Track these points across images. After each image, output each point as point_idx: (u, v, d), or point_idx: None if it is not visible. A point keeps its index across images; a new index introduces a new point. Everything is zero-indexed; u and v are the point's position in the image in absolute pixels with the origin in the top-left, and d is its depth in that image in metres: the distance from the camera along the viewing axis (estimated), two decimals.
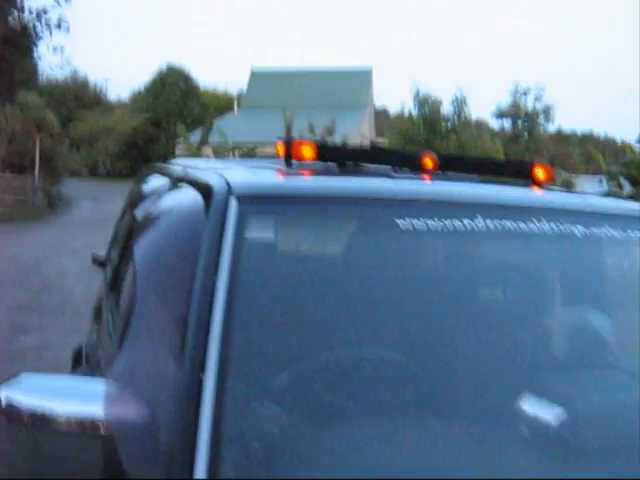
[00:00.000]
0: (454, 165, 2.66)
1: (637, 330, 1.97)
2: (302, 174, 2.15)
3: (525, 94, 21.86)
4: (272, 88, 41.46)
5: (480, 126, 24.30)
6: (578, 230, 1.99)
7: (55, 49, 18.26)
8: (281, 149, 2.38)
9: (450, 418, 1.67)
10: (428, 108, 19.04)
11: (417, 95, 19.58)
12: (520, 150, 21.21)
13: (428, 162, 2.44)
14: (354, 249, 1.99)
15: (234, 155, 19.32)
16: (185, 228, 1.92)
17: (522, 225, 1.93)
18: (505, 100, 22.97)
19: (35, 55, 19.01)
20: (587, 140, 46.16)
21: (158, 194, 2.55)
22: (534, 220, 1.95)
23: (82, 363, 3.28)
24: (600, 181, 12.20)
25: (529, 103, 21.89)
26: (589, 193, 2.95)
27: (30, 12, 17.63)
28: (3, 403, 1.54)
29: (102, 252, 4.08)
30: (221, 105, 51.97)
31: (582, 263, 2.12)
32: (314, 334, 1.72)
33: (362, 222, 1.93)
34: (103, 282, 3.53)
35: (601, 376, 1.89)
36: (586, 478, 1.48)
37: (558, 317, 1.99)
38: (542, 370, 1.83)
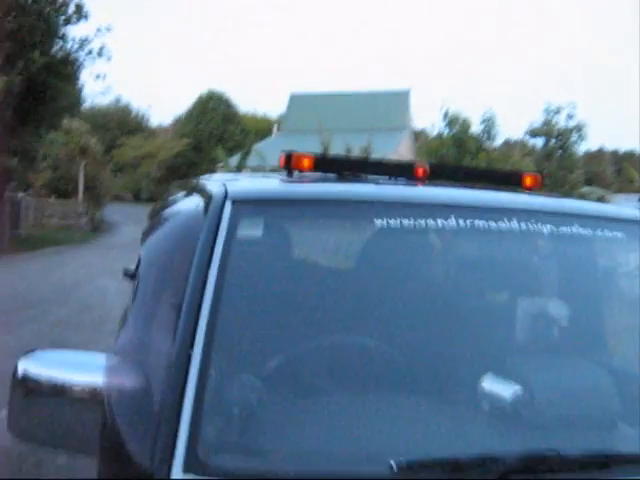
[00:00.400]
0: (446, 174, 2.86)
1: (593, 317, 2.15)
2: (293, 182, 2.37)
3: (557, 112, 21.95)
4: (311, 111, 41.81)
5: (510, 145, 24.42)
6: (546, 229, 2.16)
7: (97, 76, 18.79)
8: (283, 160, 2.60)
9: (417, 395, 1.86)
10: (458, 128, 19.26)
11: (446, 115, 19.78)
12: (552, 168, 21.26)
13: (420, 171, 2.63)
14: (332, 244, 2.20)
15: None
16: (187, 227, 2.15)
17: (492, 224, 2.11)
18: (538, 119, 23.11)
19: (78, 83, 19.53)
20: (628, 158, 45.73)
21: (173, 202, 2.78)
22: (504, 219, 2.13)
23: None
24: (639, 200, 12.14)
25: (561, 121, 22.02)
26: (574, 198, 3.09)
27: (73, 41, 18.25)
28: (20, 375, 1.79)
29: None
30: (261, 129, 52.66)
31: (545, 258, 2.30)
32: (294, 319, 1.94)
33: (341, 221, 2.14)
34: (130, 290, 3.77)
35: (557, 359, 2.06)
36: (545, 449, 1.63)
37: (522, 306, 2.15)
38: (504, 353, 2.01)
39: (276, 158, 2.73)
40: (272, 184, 2.47)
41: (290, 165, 2.51)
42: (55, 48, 17.70)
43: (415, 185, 2.49)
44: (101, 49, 18.25)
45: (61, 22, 17.75)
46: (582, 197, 20.97)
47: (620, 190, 27.46)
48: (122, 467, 1.62)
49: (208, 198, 2.12)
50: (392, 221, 2.05)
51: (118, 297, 12.05)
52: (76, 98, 19.35)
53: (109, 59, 18.56)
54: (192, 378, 1.58)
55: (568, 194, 20.63)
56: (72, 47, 18.17)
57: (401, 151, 32.64)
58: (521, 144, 23.70)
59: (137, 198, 45.37)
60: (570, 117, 22.16)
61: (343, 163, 2.82)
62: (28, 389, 1.82)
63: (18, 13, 16.14)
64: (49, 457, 4.16)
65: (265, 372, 1.80)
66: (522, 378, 1.85)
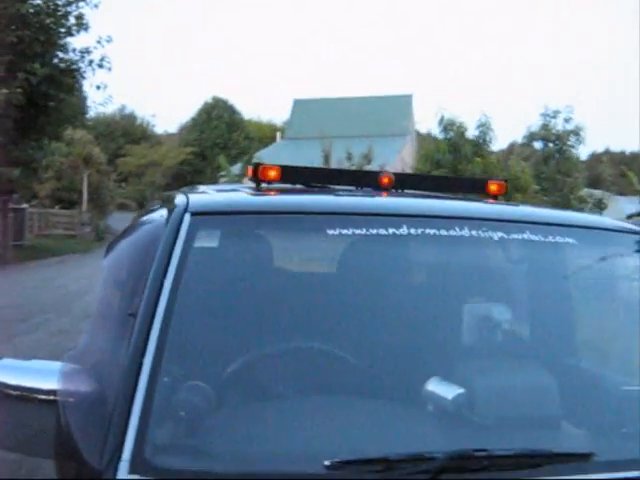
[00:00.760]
0: (411, 183, 2.93)
1: (536, 321, 2.22)
2: (254, 194, 2.45)
3: (554, 116, 21.97)
4: (314, 117, 41.98)
5: (516, 148, 24.44)
6: (496, 235, 2.22)
7: (97, 87, 18.91)
8: (250, 172, 2.68)
9: (362, 397, 1.93)
10: (453, 132, 19.31)
11: (442, 120, 19.82)
12: (551, 172, 21.28)
13: (385, 181, 2.70)
14: (285, 254, 2.27)
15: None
16: (147, 238, 2.23)
17: (443, 232, 2.18)
18: (535, 123, 23.12)
19: (80, 93, 19.67)
20: (633, 160, 45.59)
21: (144, 214, 2.86)
22: (456, 227, 2.20)
23: None
24: None
25: (559, 125, 22.03)
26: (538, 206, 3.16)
27: (74, 52, 18.38)
28: None
29: None
30: (266, 136, 52.83)
31: (495, 264, 2.37)
32: (244, 327, 2.02)
33: (293, 231, 2.22)
34: None
35: (499, 362, 2.13)
36: (474, 448, 1.70)
37: (467, 311, 2.22)
38: (450, 357, 2.08)
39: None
40: (234, 196, 2.56)
41: (257, 176, 2.59)
42: (56, 59, 17.82)
43: (372, 195, 2.57)
44: (102, 60, 18.39)
45: (62, 33, 17.91)
46: (581, 200, 21.01)
47: (621, 192, 27.45)
48: (76, 469, 1.70)
49: (170, 210, 2.20)
50: (344, 230, 2.12)
51: None
52: (78, 108, 19.45)
53: (110, 70, 18.69)
54: (142, 384, 1.66)
55: (565, 197, 20.63)
56: (73, 58, 18.31)
57: (404, 156, 32.65)
58: (519, 148, 23.72)
59: (142, 207, 45.50)
60: (567, 120, 22.20)
61: (309, 174, 2.91)
62: None
63: (19, 25, 16.28)
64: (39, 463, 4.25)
65: (215, 378, 1.88)
66: (467, 380, 1.92)
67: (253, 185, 2.61)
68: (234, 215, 2.21)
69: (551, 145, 21.93)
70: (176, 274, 1.90)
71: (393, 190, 2.72)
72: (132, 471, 1.54)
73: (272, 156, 30.18)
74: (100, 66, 18.38)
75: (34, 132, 17.84)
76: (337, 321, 2.07)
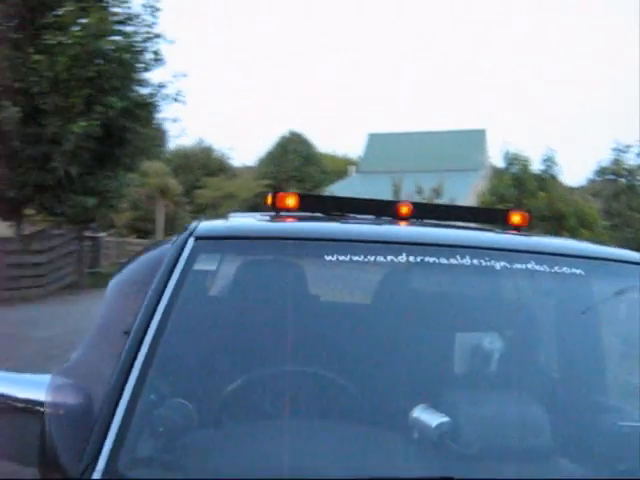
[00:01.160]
0: (431, 213, 2.95)
1: (527, 351, 2.21)
2: (264, 220, 2.51)
3: (626, 151, 21.51)
4: (388, 151, 42.10)
5: (595, 184, 23.94)
6: (499, 265, 2.22)
7: (173, 120, 19.46)
8: (269, 200, 2.74)
9: (351, 422, 1.95)
10: (518, 167, 19.15)
11: (507, 154, 19.68)
12: (621, 208, 20.76)
13: (404, 210, 2.73)
14: (281, 279, 2.32)
15: None
16: (153, 260, 2.32)
17: (443, 260, 2.20)
18: (606, 158, 22.66)
19: (155, 126, 20.21)
20: None
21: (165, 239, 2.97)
22: (457, 256, 2.21)
23: None
24: None
25: (631, 160, 21.56)
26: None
27: (150, 86, 18.96)
28: None
29: None
30: (340, 170, 53.12)
31: (491, 294, 2.36)
32: (232, 350, 2.07)
33: (291, 257, 2.27)
34: None
35: (488, 392, 2.12)
36: (455, 477, 1.70)
37: (459, 340, 2.22)
38: (438, 385, 2.09)
39: None
40: (242, 222, 2.62)
41: (275, 204, 2.66)
42: (133, 93, 18.38)
43: (377, 224, 2.60)
44: (177, 94, 18.89)
45: (139, 68, 18.49)
46: None
47: None
48: (56, 478, 1.78)
49: (179, 235, 2.29)
50: (341, 257, 2.16)
51: None
52: (153, 141, 20.00)
53: (184, 103, 19.20)
54: (125, 398, 1.74)
55: (637, 234, 20.01)
56: (149, 92, 18.87)
57: (478, 191, 32.41)
58: (592, 184, 23.27)
59: None
60: (639, 155, 21.69)
61: (327, 202, 2.96)
62: None
63: (98, 61, 16.89)
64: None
65: (198, 397, 1.94)
66: (454, 410, 1.92)
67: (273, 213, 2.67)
68: (235, 240, 2.28)
69: (622, 180, 21.46)
70: (172, 295, 1.98)
71: (413, 220, 2.74)
72: None
73: (345, 190, 30.37)
74: (175, 100, 18.91)
75: (110, 163, 18.39)
76: (322, 344, 2.11)
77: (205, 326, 2.11)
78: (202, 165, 53.76)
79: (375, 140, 47.96)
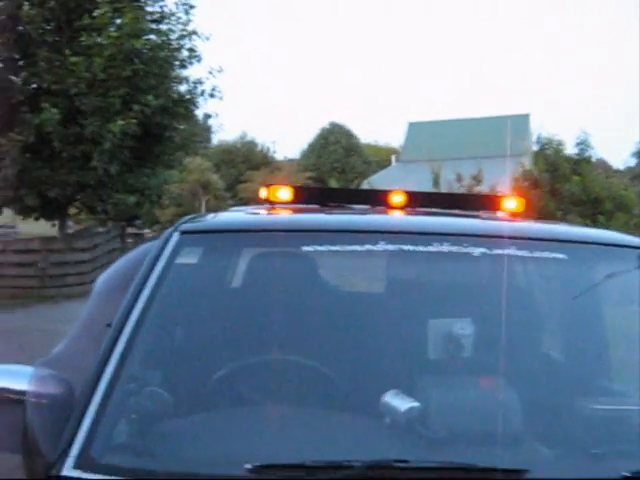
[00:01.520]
0: (425, 201, 2.98)
1: (497, 337, 2.23)
2: (253, 213, 2.58)
3: None
4: (429, 140, 41.73)
5: (605, 168, 23.48)
6: (476, 251, 2.25)
7: (209, 116, 19.63)
8: (263, 193, 2.81)
9: (325, 407, 2.01)
10: (551, 151, 18.88)
11: (539, 138, 19.44)
12: None
13: (397, 199, 2.77)
14: (259, 270, 2.38)
15: None
16: (139, 255, 2.40)
17: (420, 248, 2.24)
18: None
19: (194, 122, 20.39)
20: None
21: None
22: (433, 243, 2.25)
23: None
24: None
25: None
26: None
27: (187, 82, 19.13)
28: None
29: None
30: (383, 159, 52.94)
31: (462, 279, 2.39)
32: (210, 340, 2.14)
33: (271, 248, 2.33)
34: None
35: (461, 377, 2.15)
36: (395, 459, 1.74)
37: (432, 326, 2.24)
38: (411, 370, 2.13)
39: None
40: (229, 215, 2.70)
41: (269, 198, 2.73)
42: (170, 91, 18.56)
43: (361, 213, 2.65)
44: (213, 89, 19.03)
45: (175, 66, 18.67)
46: None
47: None
48: (37, 464, 1.87)
49: (166, 229, 2.37)
50: (319, 247, 2.22)
51: None
52: (191, 137, 20.19)
53: (221, 99, 19.33)
54: (102, 386, 1.82)
55: None
56: (186, 89, 19.04)
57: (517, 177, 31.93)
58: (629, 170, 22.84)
59: None
60: None
61: (321, 194, 3.01)
62: None
63: (134, 60, 17.11)
64: None
65: (174, 386, 2.01)
66: (426, 395, 1.97)
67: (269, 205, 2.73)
68: (216, 233, 2.35)
69: None
70: (153, 288, 2.06)
71: (407, 208, 2.77)
72: (76, 467, 1.69)
73: (385, 179, 30.21)
74: (212, 95, 19.05)
75: (149, 161, 18.63)
76: (295, 333, 2.16)
77: (183, 318, 2.19)
78: (245, 159, 54.05)
79: (415, 129, 47.58)
